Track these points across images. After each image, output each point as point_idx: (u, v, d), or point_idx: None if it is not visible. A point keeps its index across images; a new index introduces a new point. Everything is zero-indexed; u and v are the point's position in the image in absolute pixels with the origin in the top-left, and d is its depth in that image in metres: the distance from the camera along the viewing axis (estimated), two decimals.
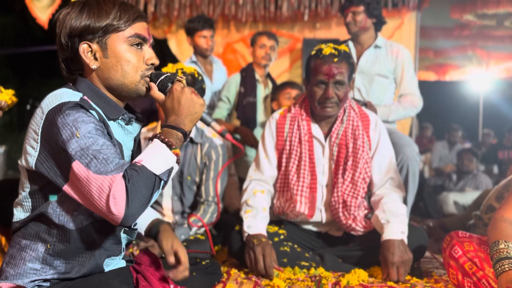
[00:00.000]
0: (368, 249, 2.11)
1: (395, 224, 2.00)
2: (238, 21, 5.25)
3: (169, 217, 2.45)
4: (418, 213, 3.96)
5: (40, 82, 8.99)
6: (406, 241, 1.98)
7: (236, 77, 3.43)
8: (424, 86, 3.20)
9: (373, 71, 2.94)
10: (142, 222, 1.59)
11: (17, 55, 8.67)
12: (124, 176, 1.14)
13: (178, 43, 5.26)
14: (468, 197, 3.97)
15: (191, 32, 3.50)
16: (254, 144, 3.11)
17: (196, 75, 2.38)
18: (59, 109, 1.22)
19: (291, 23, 5.36)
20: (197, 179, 2.46)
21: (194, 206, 2.48)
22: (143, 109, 2.96)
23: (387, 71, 2.95)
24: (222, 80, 3.70)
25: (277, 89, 3.27)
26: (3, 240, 2.31)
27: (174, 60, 4.88)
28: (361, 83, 2.96)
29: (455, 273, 1.72)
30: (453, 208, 3.88)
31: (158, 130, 2.44)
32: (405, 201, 2.34)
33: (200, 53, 3.54)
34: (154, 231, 1.55)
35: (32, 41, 8.31)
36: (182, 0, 4.79)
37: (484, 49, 7.08)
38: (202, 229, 2.32)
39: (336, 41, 4.88)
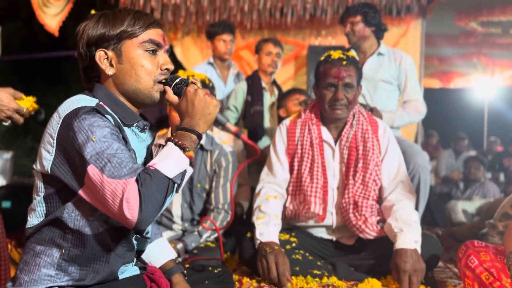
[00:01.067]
0: (380, 257, 2.09)
1: (409, 233, 1.98)
2: (244, 28, 5.26)
3: (178, 224, 2.43)
4: (424, 221, 3.93)
5: (44, 88, 9.02)
6: (419, 250, 1.96)
7: (243, 86, 3.42)
8: (428, 94, 3.23)
9: (377, 77, 2.97)
10: (157, 257, 1.60)
11: (22, 61, 8.70)
12: (137, 180, 1.15)
13: (184, 50, 5.28)
14: (476, 205, 3.95)
15: (211, 36, 3.56)
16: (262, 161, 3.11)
17: (207, 82, 2.38)
18: (76, 113, 1.23)
19: (296, 30, 5.38)
20: (207, 186, 2.45)
21: (204, 214, 2.46)
22: (153, 117, 2.96)
23: (391, 77, 2.98)
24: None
25: (285, 96, 3.26)
26: (9, 245, 2.30)
27: (179, 67, 4.89)
28: (365, 89, 2.98)
29: (472, 284, 1.69)
30: (462, 217, 3.85)
31: (168, 136, 2.45)
32: (416, 209, 2.33)
33: (219, 57, 3.59)
34: (166, 276, 1.56)
35: (38, 48, 8.35)
36: (188, 7, 4.80)
37: (489, 56, 7.07)
38: (212, 237, 2.31)
39: (341, 49, 4.91)
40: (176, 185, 1.22)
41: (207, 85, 2.37)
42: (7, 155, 3.72)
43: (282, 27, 5.29)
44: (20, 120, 1.74)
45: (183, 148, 1.25)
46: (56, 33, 4.15)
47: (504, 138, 7.44)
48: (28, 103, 1.76)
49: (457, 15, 5.65)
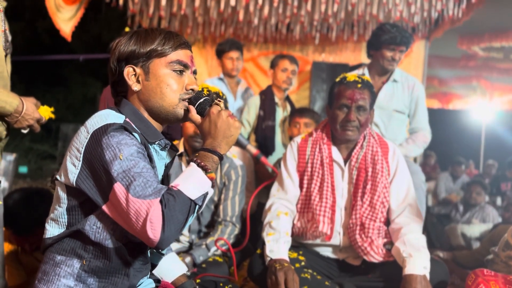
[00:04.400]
0: (388, 281, 2.09)
1: (418, 259, 1.99)
2: (249, 41, 5.31)
3: (185, 236, 2.43)
4: None
5: (44, 90, 9.02)
6: (428, 276, 1.96)
7: (256, 100, 3.45)
8: (428, 114, 3.26)
9: (391, 107, 2.98)
10: (168, 272, 1.62)
11: (24, 62, 8.69)
12: (161, 201, 1.17)
13: None
14: (475, 229, 3.97)
15: (219, 54, 3.65)
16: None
17: (221, 94, 2.39)
18: (105, 130, 1.25)
19: (301, 45, 5.43)
20: (216, 198, 2.46)
21: (211, 226, 2.46)
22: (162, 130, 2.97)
23: (404, 106, 3.00)
24: (245, 99, 3.77)
25: (290, 116, 3.32)
26: (19, 248, 2.29)
27: None
28: (379, 119, 2.99)
29: None
30: (461, 240, 3.87)
31: (180, 148, 2.46)
32: None
33: (227, 73, 3.66)
34: None
35: (40, 50, 8.35)
36: (196, 18, 4.83)
37: (488, 80, 7.18)
38: (224, 248, 2.30)
39: (344, 66, 4.96)
40: (197, 206, 1.23)
41: (220, 97, 2.39)
42: (11, 157, 3.71)
43: (287, 42, 5.34)
44: (38, 128, 1.75)
45: (205, 170, 1.27)
46: (69, 38, 4.17)
47: (501, 161, 7.50)
48: (46, 112, 1.78)
49: (459, 39, 5.74)
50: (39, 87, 8.88)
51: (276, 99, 3.46)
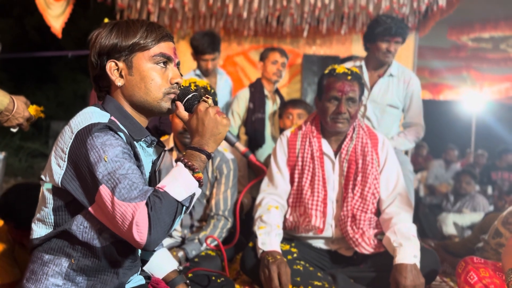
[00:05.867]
0: (380, 271, 2.11)
1: (408, 248, 2.00)
2: (239, 34, 5.28)
3: (178, 231, 2.42)
4: None
5: (34, 87, 8.94)
6: (418, 265, 1.98)
7: (246, 93, 3.44)
8: None
9: (384, 102, 2.95)
10: (159, 268, 1.60)
11: (13, 59, 8.62)
12: (147, 204, 1.15)
13: (179, 54, 5.20)
14: (466, 218, 4.01)
15: (195, 51, 3.44)
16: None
17: (209, 89, 2.38)
18: (89, 130, 1.22)
19: (292, 38, 5.41)
20: (208, 193, 2.45)
21: (203, 220, 2.46)
22: (154, 125, 2.95)
23: (398, 101, 2.96)
24: (227, 92, 3.71)
25: (282, 108, 3.31)
26: (16, 246, 2.28)
27: None
28: (372, 113, 2.97)
29: None
30: (452, 229, 3.90)
31: (170, 143, 2.45)
32: None
33: (202, 72, 3.50)
34: (170, 286, 1.56)
35: (29, 47, 8.27)
36: (185, 12, 4.80)
37: (478, 70, 7.21)
38: (213, 244, 2.30)
39: (335, 58, 4.96)
40: (184, 207, 1.22)
41: (209, 92, 2.38)
42: (1, 155, 3.66)
43: (278, 35, 5.33)
44: (28, 127, 1.74)
45: (192, 170, 1.25)
46: (60, 35, 4.12)
47: (491, 151, 7.57)
48: (35, 111, 1.77)
49: (449, 30, 5.75)
50: (28, 85, 8.80)
51: (266, 92, 3.45)
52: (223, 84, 3.70)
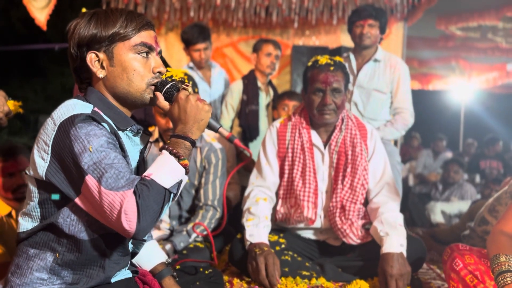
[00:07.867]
0: (367, 260, 2.13)
1: (394, 237, 2.02)
2: (228, 26, 5.25)
3: (166, 223, 2.42)
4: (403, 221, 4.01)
5: (22, 80, 8.82)
6: (405, 254, 2.00)
7: (239, 85, 3.43)
8: None
9: (371, 86, 2.98)
10: (147, 260, 1.59)
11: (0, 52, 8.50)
12: (135, 192, 1.15)
13: (168, 46, 5.23)
14: (454, 206, 4.05)
15: (186, 44, 3.44)
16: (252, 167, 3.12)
17: (185, 78, 2.37)
18: (72, 121, 1.21)
19: (281, 29, 5.39)
20: (196, 183, 2.44)
21: (192, 210, 2.45)
22: (139, 118, 2.94)
23: (385, 86, 2.98)
24: (221, 85, 3.69)
25: (277, 99, 3.32)
26: (6, 226, 2.28)
27: (162, 63, 4.83)
28: (358, 97, 3.00)
29: (456, 286, 1.74)
30: (440, 218, 3.95)
31: (156, 134, 2.43)
32: None
33: (196, 64, 3.51)
34: (157, 279, 1.55)
35: (15, 39, 8.14)
36: (173, 3, 4.76)
37: (467, 60, 7.24)
38: (198, 230, 2.30)
39: (324, 49, 4.96)
40: (172, 194, 1.22)
41: (185, 82, 2.36)
42: None
43: (267, 26, 5.30)
44: (6, 122, 1.72)
45: (178, 157, 1.24)
46: (44, 27, 4.05)
47: (479, 139, 7.63)
48: (14, 106, 1.76)
49: (437, 20, 5.76)
50: (16, 78, 8.68)
51: (259, 84, 3.45)
52: (217, 77, 3.69)
